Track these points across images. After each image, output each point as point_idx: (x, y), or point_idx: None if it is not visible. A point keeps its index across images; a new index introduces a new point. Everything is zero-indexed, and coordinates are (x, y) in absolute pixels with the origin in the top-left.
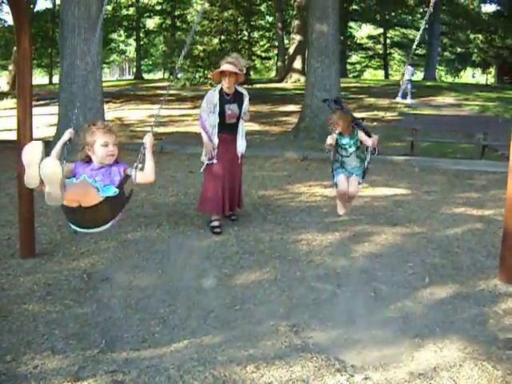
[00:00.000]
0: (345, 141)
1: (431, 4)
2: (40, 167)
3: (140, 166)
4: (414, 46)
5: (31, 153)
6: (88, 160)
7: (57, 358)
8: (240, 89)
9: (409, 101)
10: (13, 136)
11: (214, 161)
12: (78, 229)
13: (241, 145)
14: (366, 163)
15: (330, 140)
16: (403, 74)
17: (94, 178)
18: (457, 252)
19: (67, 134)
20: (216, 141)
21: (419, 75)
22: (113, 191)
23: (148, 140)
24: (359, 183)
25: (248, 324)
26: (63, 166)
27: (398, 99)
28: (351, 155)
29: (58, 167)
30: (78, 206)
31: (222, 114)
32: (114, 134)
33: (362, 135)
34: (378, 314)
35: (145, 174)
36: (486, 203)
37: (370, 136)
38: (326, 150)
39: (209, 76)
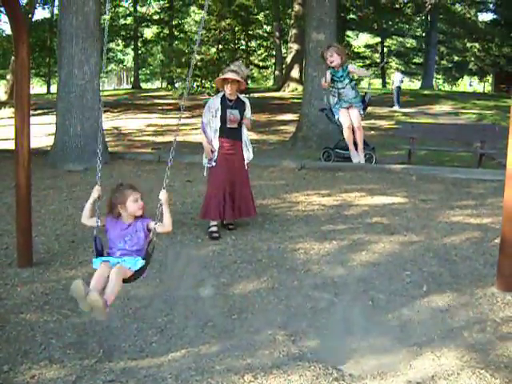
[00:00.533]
0: (339, 73)
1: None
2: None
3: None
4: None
5: (76, 291)
6: (117, 216)
7: (54, 368)
8: (242, 97)
9: (396, 106)
10: (10, 145)
11: (213, 163)
12: None
13: (247, 152)
14: (366, 96)
15: (324, 80)
16: (393, 82)
17: (124, 239)
18: (454, 260)
19: (95, 192)
20: (216, 144)
21: (417, 84)
22: (140, 264)
23: (163, 196)
24: (360, 114)
25: (246, 333)
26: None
27: (396, 107)
28: (346, 86)
29: (98, 300)
30: None
31: (223, 118)
32: (138, 191)
33: (352, 67)
34: (375, 322)
35: (164, 226)
36: (483, 211)
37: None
38: (323, 93)
39: (206, 85)
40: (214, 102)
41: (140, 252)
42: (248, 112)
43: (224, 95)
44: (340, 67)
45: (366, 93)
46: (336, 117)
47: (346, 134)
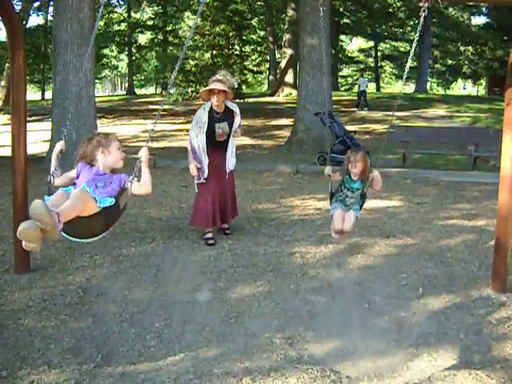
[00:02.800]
0: (355, 185)
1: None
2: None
3: (136, 178)
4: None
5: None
6: (91, 164)
7: (53, 373)
8: (231, 105)
9: (365, 110)
10: (6, 152)
11: (203, 180)
12: (71, 238)
13: (230, 161)
14: (364, 199)
15: (327, 171)
16: (359, 86)
17: (96, 183)
18: (450, 263)
19: (58, 146)
20: (205, 160)
21: (411, 87)
22: (109, 201)
23: (144, 153)
24: (356, 218)
25: (243, 337)
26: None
27: (365, 110)
28: (356, 197)
29: (45, 210)
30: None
31: (211, 132)
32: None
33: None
34: (372, 325)
35: (142, 185)
36: (478, 214)
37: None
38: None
39: (199, 92)
40: (201, 116)
41: (113, 193)
42: (238, 121)
43: (211, 107)
44: (359, 179)
45: (364, 194)
46: (331, 212)
47: (332, 229)
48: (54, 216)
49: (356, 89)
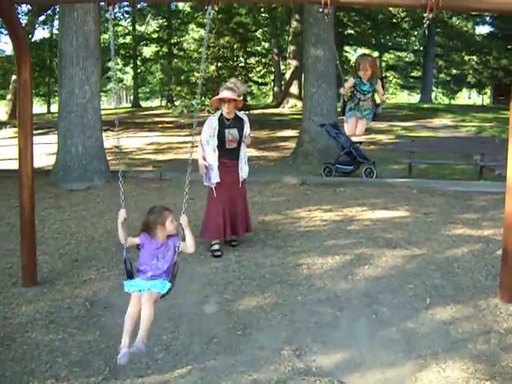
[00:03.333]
0: (365, 87)
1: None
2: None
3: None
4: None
5: None
6: (152, 235)
7: None
8: (240, 114)
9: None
10: (12, 165)
11: (213, 185)
12: None
13: (243, 169)
14: (377, 110)
15: (343, 88)
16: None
17: (157, 256)
18: (457, 273)
19: (121, 216)
20: (216, 163)
21: (416, 97)
22: (168, 287)
23: (184, 221)
24: (366, 124)
25: (251, 349)
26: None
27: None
28: (368, 99)
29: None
30: None
31: (221, 138)
32: (169, 215)
33: (379, 85)
34: (379, 336)
35: (188, 246)
36: (484, 223)
37: (383, 87)
38: (342, 95)
39: (206, 103)
40: (212, 122)
41: (168, 271)
42: (247, 130)
43: (221, 114)
44: (368, 81)
45: (378, 105)
46: (345, 120)
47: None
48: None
49: None
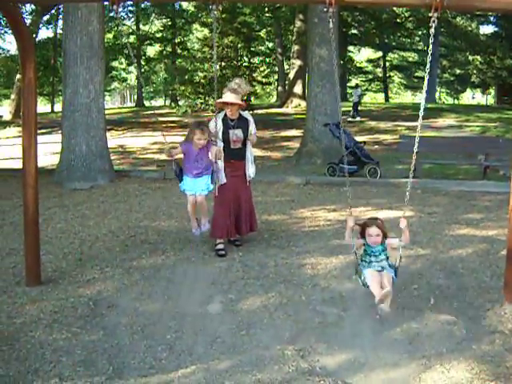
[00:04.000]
0: (376, 249)
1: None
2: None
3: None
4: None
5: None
6: (190, 145)
7: None
8: (245, 114)
9: (358, 117)
10: (16, 164)
11: (223, 182)
12: None
13: (250, 169)
14: (397, 262)
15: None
16: (354, 96)
17: (197, 160)
18: (461, 273)
19: (176, 151)
20: (222, 165)
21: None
22: (212, 187)
23: (213, 150)
24: (393, 280)
25: (255, 349)
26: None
27: (358, 118)
28: (382, 261)
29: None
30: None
31: (226, 139)
32: (206, 132)
33: (390, 240)
34: (384, 336)
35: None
36: (489, 224)
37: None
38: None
39: (210, 102)
40: (216, 123)
41: (207, 168)
42: (252, 128)
43: (225, 115)
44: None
45: (396, 268)
46: (361, 278)
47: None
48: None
49: (364, 99)
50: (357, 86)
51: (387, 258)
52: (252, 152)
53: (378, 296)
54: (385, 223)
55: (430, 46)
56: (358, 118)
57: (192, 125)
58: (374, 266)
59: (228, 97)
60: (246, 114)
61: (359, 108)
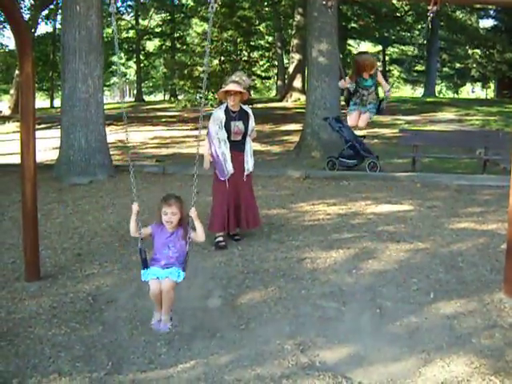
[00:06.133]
0: (367, 82)
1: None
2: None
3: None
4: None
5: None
6: (162, 224)
7: (63, 381)
8: (245, 107)
9: None
10: (15, 160)
11: (230, 173)
12: None
13: (248, 162)
14: (381, 105)
15: (343, 81)
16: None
17: (168, 245)
18: (461, 267)
19: (134, 208)
20: (228, 154)
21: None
22: (183, 277)
23: (193, 213)
24: (370, 118)
25: (254, 343)
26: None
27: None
28: (371, 93)
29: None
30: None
31: (228, 130)
32: (174, 206)
33: (380, 77)
34: (383, 330)
35: (199, 236)
36: (488, 217)
37: (386, 80)
38: (343, 89)
39: (210, 97)
40: (218, 114)
41: (179, 260)
42: (252, 123)
43: (227, 107)
44: (369, 76)
45: (382, 99)
46: (348, 113)
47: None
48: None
49: None
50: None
51: (376, 91)
52: (251, 145)
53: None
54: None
55: (427, 29)
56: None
57: (162, 198)
58: (360, 107)
59: (230, 86)
60: (247, 107)
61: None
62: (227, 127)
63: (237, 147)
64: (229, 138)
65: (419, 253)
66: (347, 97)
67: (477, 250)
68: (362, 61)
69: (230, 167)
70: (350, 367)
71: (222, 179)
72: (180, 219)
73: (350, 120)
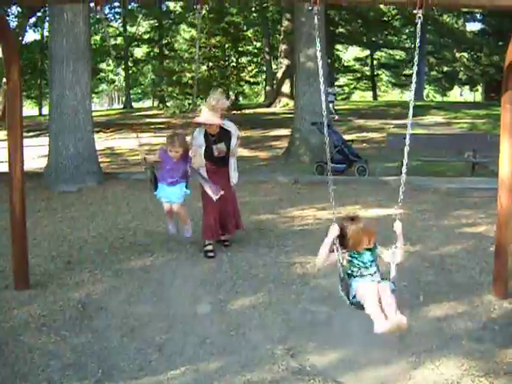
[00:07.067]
0: (366, 257)
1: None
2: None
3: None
4: None
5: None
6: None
7: None
8: (227, 126)
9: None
10: (3, 168)
11: (222, 192)
12: None
13: (233, 177)
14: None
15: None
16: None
17: (173, 169)
18: (450, 269)
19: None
20: (204, 172)
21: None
22: (188, 191)
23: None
24: (392, 291)
25: (244, 349)
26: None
27: (336, 117)
28: (375, 273)
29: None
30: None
31: (210, 153)
32: (177, 144)
33: (381, 250)
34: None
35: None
36: (477, 220)
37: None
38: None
39: (198, 103)
40: (197, 140)
41: (182, 177)
42: (234, 142)
43: (206, 130)
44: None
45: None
46: (350, 293)
47: (379, 328)
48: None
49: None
50: (332, 84)
51: (378, 270)
52: (235, 160)
53: (381, 320)
54: (373, 223)
55: (417, 40)
56: (336, 117)
57: (167, 136)
58: (367, 278)
59: (205, 116)
60: (229, 124)
61: (335, 107)
62: (208, 152)
63: (221, 162)
64: (212, 156)
65: (409, 255)
66: (342, 278)
67: (466, 253)
68: (356, 230)
69: (218, 191)
70: (341, 371)
71: (216, 197)
72: (183, 151)
73: (370, 300)
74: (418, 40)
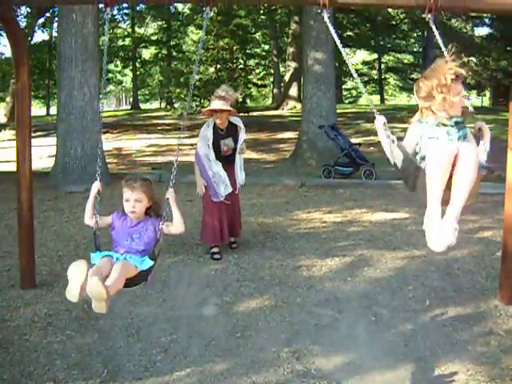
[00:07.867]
0: (456, 120)
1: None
2: (86, 287)
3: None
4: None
5: (76, 271)
6: (124, 214)
7: None
8: (235, 120)
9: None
10: (11, 167)
11: (227, 192)
12: None
13: (239, 177)
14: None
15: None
16: None
17: (132, 236)
18: (456, 274)
19: (94, 188)
20: (224, 173)
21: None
22: (149, 265)
23: (171, 195)
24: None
25: (250, 351)
26: (92, 261)
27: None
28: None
29: (102, 289)
30: None
31: (217, 149)
32: (139, 190)
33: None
34: (379, 338)
35: (175, 226)
36: (484, 225)
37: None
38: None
39: (205, 105)
40: (206, 134)
41: (146, 252)
42: (242, 135)
43: (215, 124)
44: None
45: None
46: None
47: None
48: (108, 294)
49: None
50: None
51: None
52: (242, 159)
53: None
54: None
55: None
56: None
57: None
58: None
59: (216, 104)
60: (236, 119)
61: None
62: (216, 146)
63: (227, 161)
64: (219, 154)
65: (415, 260)
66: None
67: (472, 258)
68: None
69: (221, 191)
70: (346, 375)
71: (215, 200)
72: (148, 208)
73: (439, 165)
74: (439, 39)
